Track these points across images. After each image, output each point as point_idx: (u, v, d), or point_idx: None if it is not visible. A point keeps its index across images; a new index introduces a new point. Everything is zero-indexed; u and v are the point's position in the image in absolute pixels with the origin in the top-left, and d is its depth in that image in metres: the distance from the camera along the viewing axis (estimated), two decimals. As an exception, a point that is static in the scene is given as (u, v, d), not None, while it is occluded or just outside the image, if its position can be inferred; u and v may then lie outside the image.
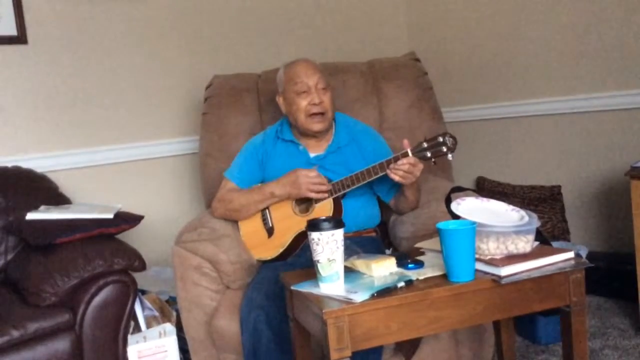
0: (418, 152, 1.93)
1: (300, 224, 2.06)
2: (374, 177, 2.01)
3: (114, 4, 2.86)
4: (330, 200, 2.06)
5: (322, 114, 2.14)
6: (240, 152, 2.31)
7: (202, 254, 2.09)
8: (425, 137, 1.95)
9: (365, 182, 2.03)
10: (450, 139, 1.90)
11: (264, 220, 2.16)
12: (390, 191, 2.19)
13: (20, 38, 2.65)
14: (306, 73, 2.16)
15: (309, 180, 2.03)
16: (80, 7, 2.79)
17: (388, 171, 1.95)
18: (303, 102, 2.14)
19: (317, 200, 2.08)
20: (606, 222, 2.93)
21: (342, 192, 2.05)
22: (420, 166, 1.95)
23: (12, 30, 2.64)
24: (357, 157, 2.17)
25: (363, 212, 2.17)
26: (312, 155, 2.21)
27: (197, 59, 3.05)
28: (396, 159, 1.95)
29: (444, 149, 1.90)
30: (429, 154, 1.92)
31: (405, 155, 1.93)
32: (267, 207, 2.16)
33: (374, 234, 2.21)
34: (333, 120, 2.24)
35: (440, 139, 1.90)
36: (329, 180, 2.08)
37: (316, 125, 2.15)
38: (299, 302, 1.62)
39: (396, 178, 1.95)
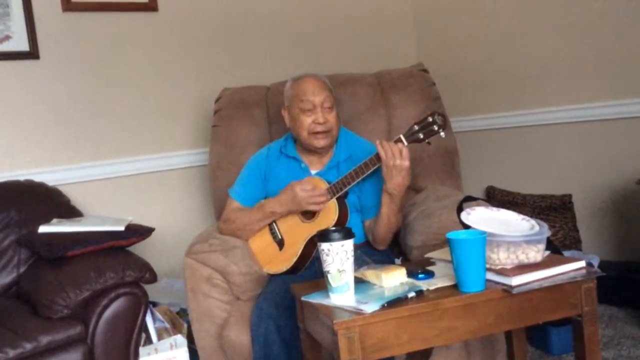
0: (410, 136, 1.93)
1: (308, 230, 2.06)
2: (372, 170, 2.00)
3: (125, 19, 2.90)
4: (334, 201, 2.06)
5: (325, 132, 2.14)
6: (244, 167, 2.31)
7: (213, 265, 2.09)
8: (414, 120, 1.95)
9: (363, 176, 2.02)
10: (440, 117, 1.90)
11: (273, 234, 2.17)
12: (374, 209, 2.12)
13: (32, 53, 2.69)
14: (313, 91, 2.15)
15: (307, 194, 2.03)
16: (91, 23, 2.82)
17: (379, 147, 1.91)
18: (307, 120, 2.13)
19: None
20: (618, 230, 2.91)
21: (344, 190, 2.05)
22: (406, 152, 1.89)
23: (24, 46, 2.67)
24: None
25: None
26: (313, 172, 2.21)
27: (206, 72, 3.08)
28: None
29: (435, 127, 1.90)
30: (421, 136, 1.92)
31: (399, 141, 1.93)
32: (274, 221, 2.16)
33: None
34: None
35: (430, 119, 1.91)
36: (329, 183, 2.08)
37: (319, 142, 2.15)
38: (310, 313, 1.62)
39: (386, 157, 1.90)
